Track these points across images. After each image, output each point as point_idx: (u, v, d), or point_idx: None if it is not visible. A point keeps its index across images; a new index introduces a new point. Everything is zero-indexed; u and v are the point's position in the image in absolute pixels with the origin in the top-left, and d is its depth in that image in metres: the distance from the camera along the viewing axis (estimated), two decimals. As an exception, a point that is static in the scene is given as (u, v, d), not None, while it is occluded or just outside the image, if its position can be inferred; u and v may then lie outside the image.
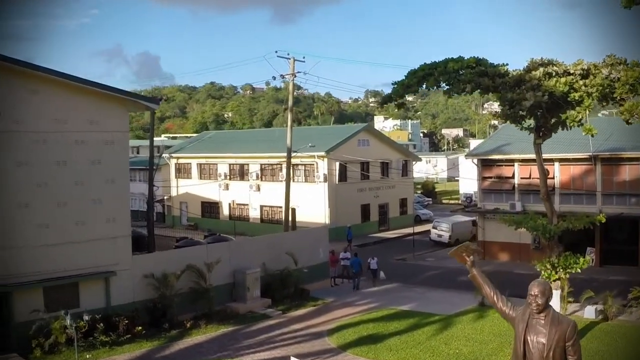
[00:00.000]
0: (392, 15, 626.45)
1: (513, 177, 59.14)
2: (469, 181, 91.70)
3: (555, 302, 33.00)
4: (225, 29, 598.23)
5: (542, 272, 32.67)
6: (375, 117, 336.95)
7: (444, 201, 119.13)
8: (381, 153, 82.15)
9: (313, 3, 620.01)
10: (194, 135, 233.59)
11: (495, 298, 12.78)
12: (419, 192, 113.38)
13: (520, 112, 31.68)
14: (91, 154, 34.66)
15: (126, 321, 33.89)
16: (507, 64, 35.10)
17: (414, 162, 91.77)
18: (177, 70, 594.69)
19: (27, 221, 32.43)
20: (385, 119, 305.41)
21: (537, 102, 30.40)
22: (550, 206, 34.11)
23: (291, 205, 57.63)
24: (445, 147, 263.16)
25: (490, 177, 60.96)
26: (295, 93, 57.16)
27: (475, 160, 61.59)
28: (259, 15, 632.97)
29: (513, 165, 58.86)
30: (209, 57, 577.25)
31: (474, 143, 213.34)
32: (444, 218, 76.47)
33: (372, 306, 42.79)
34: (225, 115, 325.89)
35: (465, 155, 67.21)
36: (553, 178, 55.76)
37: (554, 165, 55.49)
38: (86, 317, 32.13)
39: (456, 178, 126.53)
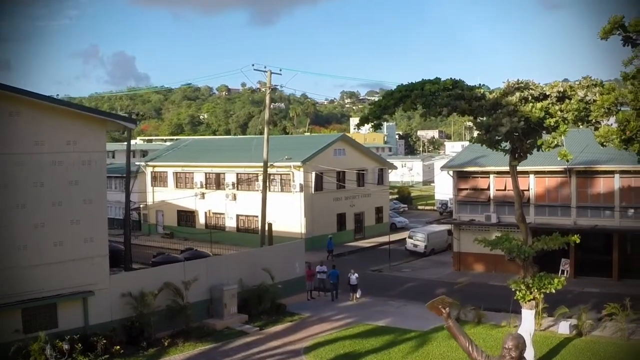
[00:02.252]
0: (369, 15, 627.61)
1: (488, 189, 59.57)
2: (444, 187, 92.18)
3: (529, 319, 33.39)
4: (204, 30, 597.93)
5: (517, 292, 33.02)
6: (351, 118, 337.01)
7: (419, 207, 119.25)
8: (357, 162, 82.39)
9: (291, 5, 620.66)
10: (170, 137, 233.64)
11: (470, 348, 13.12)
12: (395, 197, 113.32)
13: (497, 137, 31.97)
14: (69, 175, 34.79)
15: (104, 341, 34.10)
16: (483, 85, 35.51)
17: (389, 170, 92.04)
18: (152, 71, 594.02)
19: (6, 243, 32.55)
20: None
21: (513, 128, 30.71)
22: (525, 228, 34.39)
23: (268, 218, 57.73)
24: (421, 149, 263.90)
25: (466, 189, 61.32)
26: (270, 91, 57.00)
27: (451, 172, 61.91)
28: (237, 17, 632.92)
29: (488, 177, 59.30)
30: (186, 57, 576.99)
31: (449, 146, 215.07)
32: (420, 228, 76.69)
33: (349, 321, 42.97)
34: (201, 117, 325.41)
35: (441, 167, 67.49)
36: (528, 190, 56.29)
37: (529, 177, 56.02)
38: (66, 347, 32.28)
39: (432, 183, 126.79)
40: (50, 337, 32.11)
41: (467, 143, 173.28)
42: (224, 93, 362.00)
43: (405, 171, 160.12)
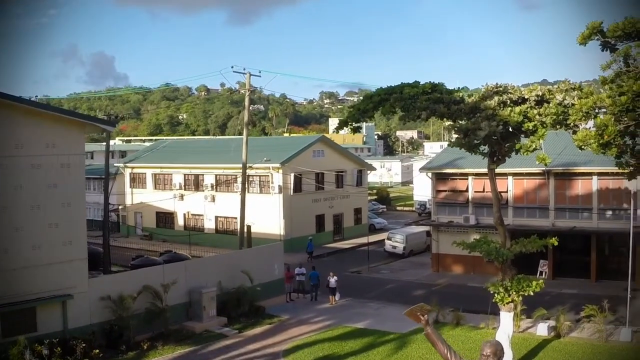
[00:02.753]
0: (348, 15, 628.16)
1: (467, 190, 59.82)
2: (423, 188, 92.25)
3: (508, 321, 33.54)
4: (182, 30, 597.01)
5: (496, 295, 33.14)
6: (330, 119, 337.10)
7: (398, 208, 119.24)
8: (336, 163, 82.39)
9: (270, 5, 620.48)
10: (149, 138, 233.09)
11: (449, 355, 13.12)
12: (374, 198, 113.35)
13: (475, 141, 32.06)
14: (48, 178, 34.67)
15: (83, 345, 33.95)
16: (462, 88, 35.68)
17: (368, 172, 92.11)
18: (131, 71, 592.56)
19: (-16, 247, 32.44)
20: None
21: (491, 132, 30.81)
22: (504, 230, 34.50)
23: (247, 219, 57.75)
24: (400, 149, 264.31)
25: (445, 191, 61.53)
26: (249, 93, 57.05)
27: (430, 174, 62.06)
28: (215, 17, 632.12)
29: (467, 179, 59.55)
30: (165, 57, 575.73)
31: (428, 146, 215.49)
32: (399, 229, 76.85)
33: (328, 324, 43.05)
34: (180, 117, 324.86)
35: (420, 169, 67.54)
36: (507, 192, 56.53)
37: (507, 179, 56.26)
38: (45, 351, 32.19)
39: (411, 184, 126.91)
40: (29, 341, 32.00)
41: (445, 144, 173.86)
42: (203, 93, 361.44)
43: (384, 172, 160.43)
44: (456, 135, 33.36)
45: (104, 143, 57.67)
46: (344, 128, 35.57)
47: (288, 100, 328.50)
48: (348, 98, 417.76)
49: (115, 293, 37.35)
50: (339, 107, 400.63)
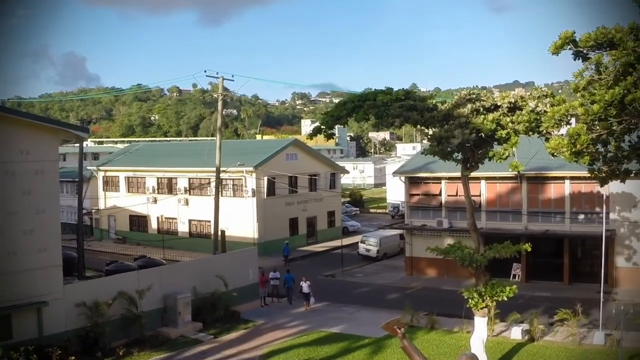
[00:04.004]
0: (318, 16, 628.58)
1: (440, 194, 60.08)
2: (396, 190, 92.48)
3: (482, 326, 33.75)
4: (152, 30, 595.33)
5: (470, 300, 33.38)
6: (302, 120, 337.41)
7: (371, 210, 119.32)
8: (309, 166, 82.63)
9: (240, 6, 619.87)
10: (121, 139, 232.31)
11: (425, 367, 13.36)
12: (347, 201, 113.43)
13: (449, 148, 32.27)
14: (22, 185, 34.53)
15: (59, 351, 33.91)
16: (434, 89, 35.93)
17: (341, 175, 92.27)
18: (102, 71, 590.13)
19: (-41, 254, 32.38)
20: (313, 122, 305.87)
21: (464, 140, 31.04)
22: (477, 236, 34.77)
23: (220, 223, 57.82)
24: (373, 151, 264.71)
25: (418, 194, 61.78)
26: (222, 98, 57.24)
27: (403, 178, 62.29)
28: (185, 18, 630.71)
29: (440, 183, 59.82)
30: (136, 58, 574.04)
31: (400, 147, 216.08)
32: (372, 232, 77.04)
33: (303, 328, 43.11)
34: (152, 118, 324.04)
35: (393, 173, 67.79)
36: (479, 196, 56.87)
37: (480, 183, 56.58)
38: (21, 358, 32.12)
39: (383, 186, 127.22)
40: (4, 349, 31.92)
41: (418, 145, 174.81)
42: (175, 94, 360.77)
43: (357, 174, 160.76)
44: (430, 144, 33.56)
45: (76, 144, 57.30)
46: (318, 134, 35.66)
47: (260, 101, 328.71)
48: (320, 99, 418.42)
49: (91, 299, 37.28)
50: (311, 108, 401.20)
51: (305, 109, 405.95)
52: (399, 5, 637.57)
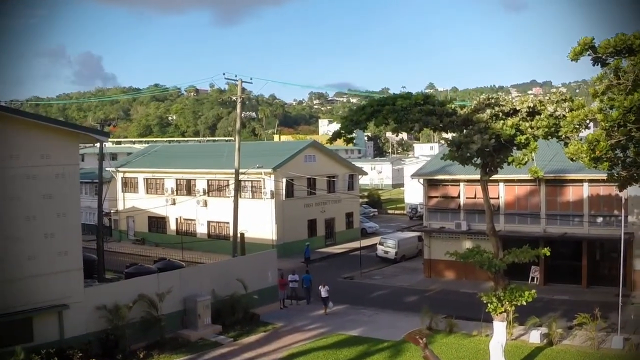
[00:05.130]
0: (334, 14, 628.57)
1: (459, 197, 60.05)
2: (414, 192, 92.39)
3: (501, 331, 33.74)
4: (169, 30, 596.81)
5: (489, 305, 33.35)
6: (319, 120, 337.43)
7: (389, 211, 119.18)
8: (328, 168, 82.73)
9: (256, 4, 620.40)
10: (139, 139, 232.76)
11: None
12: (365, 202, 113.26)
13: (468, 154, 32.24)
14: (43, 188, 34.76)
15: (80, 354, 34.15)
16: (454, 99, 35.91)
17: (359, 176, 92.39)
18: (119, 71, 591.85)
19: (-20, 258, 32.59)
20: (330, 122, 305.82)
21: (484, 145, 31.02)
22: (496, 241, 34.68)
23: (239, 225, 57.86)
24: (390, 151, 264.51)
25: (436, 197, 61.78)
26: (241, 101, 57.39)
27: (421, 180, 62.25)
28: (202, 17, 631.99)
29: (459, 185, 59.75)
30: (153, 57, 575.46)
31: (418, 147, 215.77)
32: (391, 234, 77.09)
33: (322, 331, 43.17)
34: (170, 118, 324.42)
35: (412, 175, 67.65)
36: (498, 198, 56.81)
37: (498, 185, 56.47)
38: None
39: (402, 187, 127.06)
40: (26, 352, 32.13)
41: (436, 145, 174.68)
42: (192, 94, 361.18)
43: (375, 174, 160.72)
44: (449, 149, 33.54)
45: (95, 145, 57.37)
46: (337, 139, 35.69)
47: (277, 101, 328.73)
48: (337, 99, 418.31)
49: (111, 302, 37.53)
50: (328, 107, 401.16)
51: (322, 108, 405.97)
52: (415, 4, 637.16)
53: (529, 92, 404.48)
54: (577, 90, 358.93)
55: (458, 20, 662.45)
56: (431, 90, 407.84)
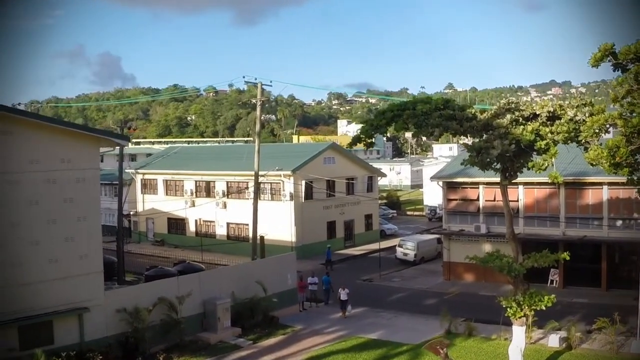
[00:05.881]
0: (354, 14, 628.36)
1: (478, 199, 59.95)
2: (433, 193, 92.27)
3: (520, 335, 33.73)
4: (187, 30, 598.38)
5: (508, 309, 33.35)
6: (338, 120, 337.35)
7: (408, 213, 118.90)
8: (347, 170, 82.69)
9: (276, 5, 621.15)
10: (158, 140, 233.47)
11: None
12: (383, 203, 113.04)
13: (488, 159, 32.26)
14: (63, 192, 35.07)
15: (100, 357, 34.42)
16: (474, 104, 35.89)
17: (378, 178, 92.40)
18: (138, 71, 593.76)
19: (2, 261, 32.80)
20: (349, 122, 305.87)
21: (504, 150, 31.03)
22: (516, 245, 34.66)
23: (258, 227, 57.97)
24: (409, 151, 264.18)
25: (456, 199, 61.68)
26: (261, 104, 57.58)
27: (441, 183, 62.19)
28: (220, 17, 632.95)
29: (478, 188, 59.62)
30: (171, 58, 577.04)
31: (437, 148, 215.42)
32: (410, 236, 76.99)
33: (341, 334, 43.25)
34: (189, 119, 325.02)
35: (431, 178, 67.58)
36: (517, 201, 56.70)
37: (518, 188, 56.30)
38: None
39: (420, 189, 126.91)
40: (46, 354, 32.34)
41: (454, 145, 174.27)
42: (211, 94, 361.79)
43: (393, 175, 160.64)
44: (469, 154, 33.52)
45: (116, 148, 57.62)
46: (357, 144, 35.68)
47: (296, 101, 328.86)
48: (356, 99, 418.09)
49: (131, 305, 37.78)
50: (347, 107, 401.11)
51: (341, 109, 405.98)
52: (434, 4, 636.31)
53: (548, 92, 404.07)
54: (597, 91, 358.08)
55: (477, 20, 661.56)
56: (450, 91, 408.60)
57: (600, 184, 53.34)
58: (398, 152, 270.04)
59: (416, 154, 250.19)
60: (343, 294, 48.60)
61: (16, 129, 33.54)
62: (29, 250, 33.70)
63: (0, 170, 32.95)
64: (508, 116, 32.12)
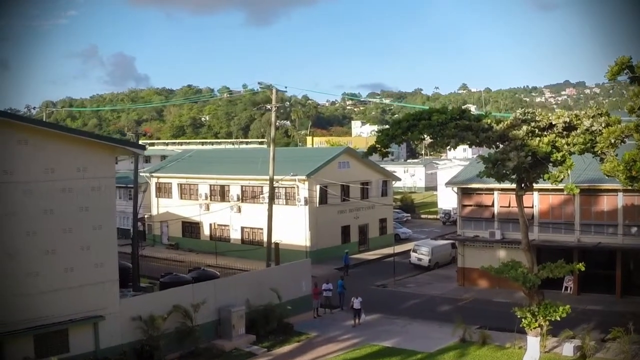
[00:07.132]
0: (366, 14, 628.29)
1: (493, 205, 59.83)
2: (447, 197, 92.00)
3: (535, 346, 33.72)
4: (200, 31, 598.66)
5: (523, 320, 33.38)
6: (352, 121, 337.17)
7: (422, 216, 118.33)
8: (361, 174, 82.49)
9: (288, 5, 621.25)
10: (172, 141, 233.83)
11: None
12: (398, 206, 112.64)
13: (504, 171, 32.25)
14: (79, 201, 35.17)
15: (115, 365, 34.54)
16: (490, 113, 35.81)
17: (393, 182, 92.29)
18: (152, 72, 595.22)
19: (17, 270, 32.93)
20: (363, 124, 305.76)
21: (520, 162, 31.02)
22: (531, 256, 34.71)
23: (273, 233, 58.03)
24: (423, 152, 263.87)
25: (470, 205, 61.63)
26: (275, 110, 57.72)
27: (455, 189, 62.09)
28: (233, 18, 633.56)
29: (493, 194, 59.50)
30: (185, 58, 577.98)
31: (451, 151, 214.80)
32: (424, 241, 76.76)
33: (355, 342, 43.30)
34: (203, 119, 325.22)
35: (446, 184, 67.47)
36: (532, 208, 56.59)
37: (532, 195, 56.12)
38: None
39: (434, 191, 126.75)
40: (61, 362, 32.57)
41: (468, 148, 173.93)
42: (225, 95, 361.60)
43: (408, 177, 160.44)
44: (485, 166, 33.52)
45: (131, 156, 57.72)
46: (373, 153, 35.74)
47: (310, 102, 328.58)
48: (370, 99, 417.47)
49: (146, 313, 37.92)
50: (361, 108, 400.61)
51: (355, 109, 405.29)
52: (448, 4, 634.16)
53: (563, 92, 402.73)
54: (611, 91, 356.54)
55: (491, 20, 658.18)
56: (464, 91, 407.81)
57: (615, 190, 53.13)
58: (412, 154, 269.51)
59: (430, 154, 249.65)
60: (356, 303, 48.47)
61: (32, 138, 33.67)
62: (44, 259, 33.84)
63: (16, 180, 33.04)
64: (524, 127, 32.12)
